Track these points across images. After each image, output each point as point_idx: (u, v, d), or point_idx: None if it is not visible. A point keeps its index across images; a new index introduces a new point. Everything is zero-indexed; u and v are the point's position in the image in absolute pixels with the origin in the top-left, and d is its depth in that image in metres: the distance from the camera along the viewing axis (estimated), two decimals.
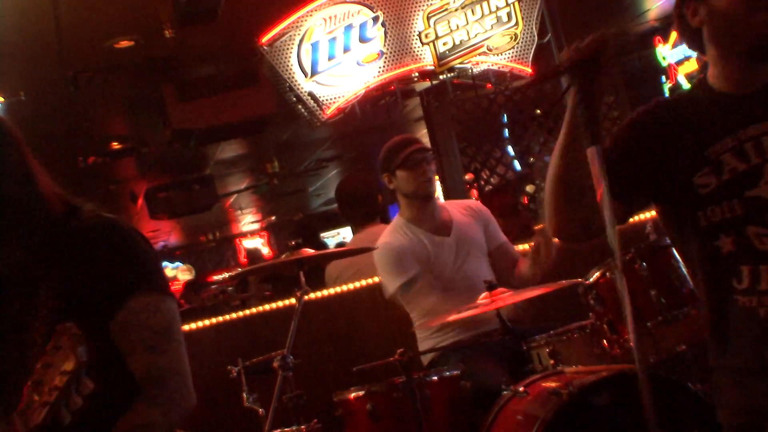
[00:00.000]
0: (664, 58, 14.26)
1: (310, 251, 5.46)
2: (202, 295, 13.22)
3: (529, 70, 8.46)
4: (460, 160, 9.39)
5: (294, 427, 5.13)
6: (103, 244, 3.04)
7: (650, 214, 7.04)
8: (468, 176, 9.72)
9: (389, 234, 6.04)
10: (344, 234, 18.51)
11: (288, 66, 8.17)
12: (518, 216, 8.54)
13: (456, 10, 8.30)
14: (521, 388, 5.06)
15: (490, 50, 8.34)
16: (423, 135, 8.81)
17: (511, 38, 8.37)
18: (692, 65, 14.03)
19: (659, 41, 13.88)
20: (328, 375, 5.59)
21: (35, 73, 8.14)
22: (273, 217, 22.11)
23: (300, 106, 8.19)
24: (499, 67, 8.42)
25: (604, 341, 5.19)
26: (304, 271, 5.33)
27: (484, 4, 8.34)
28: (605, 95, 10.59)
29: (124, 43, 9.37)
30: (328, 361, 5.75)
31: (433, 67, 8.12)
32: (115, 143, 12.07)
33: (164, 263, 16.87)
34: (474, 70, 8.29)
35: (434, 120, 8.81)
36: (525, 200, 10.85)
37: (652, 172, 2.76)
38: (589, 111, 2.56)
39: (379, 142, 6.38)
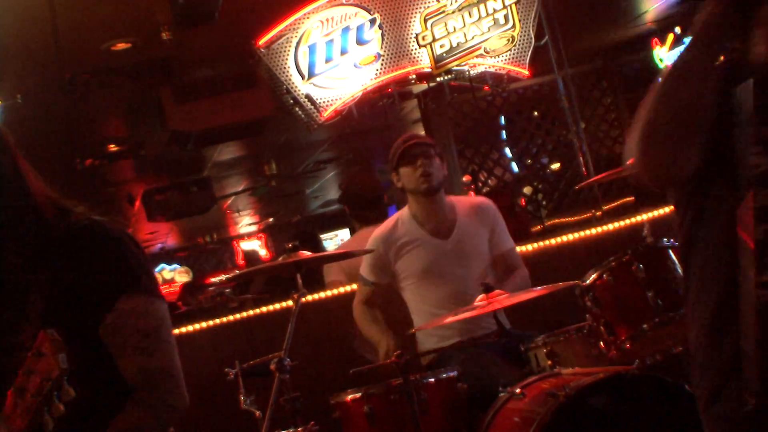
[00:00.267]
0: (661, 60, 14.26)
1: (306, 254, 5.46)
2: (199, 298, 13.22)
3: (526, 72, 8.48)
4: (458, 161, 9.44)
5: (291, 430, 5.14)
6: (92, 247, 3.05)
7: (647, 216, 7.07)
8: (466, 178, 9.72)
9: (387, 226, 6.15)
10: (342, 236, 18.54)
11: (285, 68, 8.17)
12: (515, 218, 8.54)
13: (453, 12, 8.30)
14: (518, 390, 5.08)
15: (487, 52, 8.34)
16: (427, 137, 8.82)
17: (509, 40, 8.38)
18: None
19: (656, 43, 13.88)
20: (326, 377, 5.59)
21: (32, 76, 8.15)
22: (271, 219, 22.12)
23: (297, 109, 8.20)
24: (496, 70, 8.42)
25: (601, 343, 5.23)
26: (302, 273, 5.34)
27: (482, 6, 8.35)
28: (604, 97, 10.62)
29: (122, 46, 9.37)
30: (325, 363, 5.76)
31: (430, 70, 8.13)
32: (113, 145, 12.08)
33: (162, 265, 16.90)
34: (471, 72, 8.30)
35: (432, 122, 8.84)
36: (522, 202, 10.86)
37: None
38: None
39: (377, 144, 6.45)
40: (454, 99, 8.89)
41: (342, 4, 8.23)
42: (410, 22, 8.34)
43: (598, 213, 8.61)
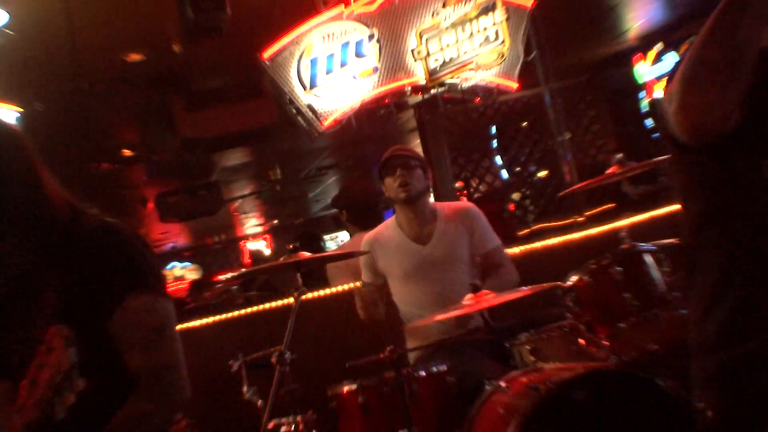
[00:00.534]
0: (642, 76, 14.28)
1: (306, 254, 5.47)
2: (207, 294, 13.24)
3: (515, 85, 8.48)
4: (451, 169, 9.43)
5: (290, 418, 5.14)
6: (103, 247, 3.07)
7: (626, 221, 7.10)
8: (458, 184, 9.75)
9: (377, 230, 6.21)
10: (342, 237, 18.54)
11: (288, 80, 8.18)
12: (504, 222, 8.56)
13: (447, 29, 8.31)
14: (503, 384, 5.07)
15: (478, 66, 8.36)
16: (417, 145, 8.84)
17: (499, 56, 8.39)
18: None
19: (638, 59, 13.90)
20: (323, 370, 5.58)
21: (51, 85, 8.16)
22: (275, 221, 22.12)
23: (299, 118, 8.21)
24: (487, 83, 8.42)
25: (581, 340, 5.24)
26: (302, 272, 5.36)
27: (474, 23, 8.36)
28: (588, 109, 10.62)
29: (135, 57, 9.39)
30: (323, 357, 5.76)
31: (425, 82, 8.13)
32: (127, 150, 12.11)
33: (174, 263, 16.93)
34: (464, 85, 8.30)
35: (427, 131, 8.83)
36: (511, 207, 10.88)
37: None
38: None
39: (375, 152, 6.45)
40: (448, 110, 8.88)
41: (342, 20, 8.24)
42: (406, 37, 8.34)
43: (581, 218, 8.62)
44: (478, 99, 8.69)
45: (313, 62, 8.22)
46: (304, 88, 8.19)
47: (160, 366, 2.97)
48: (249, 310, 7.15)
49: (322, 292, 6.96)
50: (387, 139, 8.11)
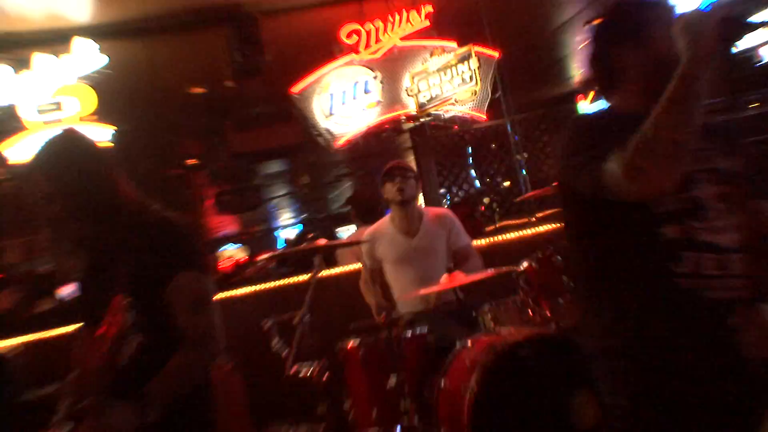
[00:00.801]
0: (583, 111, 14.23)
1: (323, 241, 5.53)
2: (250, 270, 13.23)
3: (484, 116, 8.50)
4: (437, 179, 9.42)
5: (308, 363, 5.18)
6: (162, 234, 3.12)
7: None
8: (442, 191, 9.76)
9: (377, 225, 6.28)
10: (352, 229, 18.53)
11: (311, 109, 8.19)
12: (476, 221, 8.54)
13: (433, 73, 8.31)
14: (469, 343, 5.11)
15: (457, 102, 8.35)
16: (411, 160, 8.79)
17: (472, 93, 8.38)
18: None
19: (581, 98, 13.84)
20: (334, 329, 5.59)
21: (136, 110, 8.14)
22: (304, 215, 22.17)
23: (320, 138, 8.23)
24: (463, 114, 8.41)
25: (530, 311, 5.31)
26: (319, 255, 5.40)
27: (453, 69, 8.37)
28: (542, 136, 10.57)
29: (197, 90, 9.39)
30: (333, 319, 5.76)
31: (416, 113, 8.14)
32: (191, 160, 12.11)
33: (228, 245, 16.84)
34: (445, 115, 8.32)
35: (418, 150, 8.86)
36: (482, 208, 10.85)
37: None
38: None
39: (378, 164, 6.43)
40: (434, 134, 8.86)
41: (353, 65, 8.23)
42: (402, 78, 8.34)
43: (534, 218, 8.60)
44: (456, 126, 8.68)
45: (331, 96, 8.22)
46: (324, 116, 8.19)
47: (200, 326, 3.02)
48: (279, 283, 7.25)
49: (333, 270, 6.97)
50: (388, 155, 8.04)
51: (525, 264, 5.46)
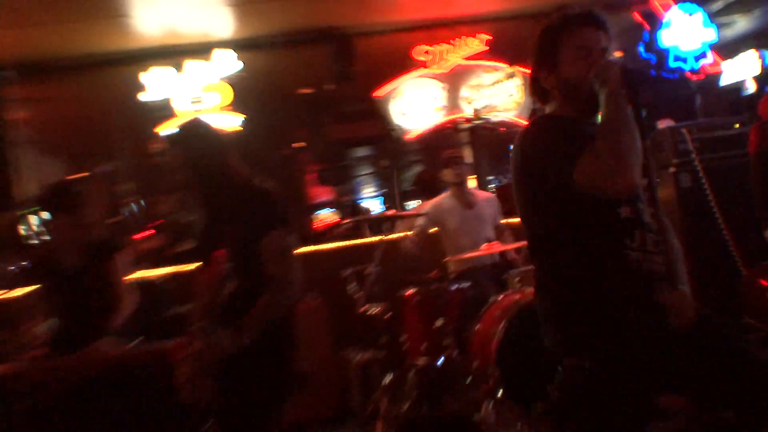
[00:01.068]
0: None
1: (392, 211, 5.57)
2: (338, 231, 13.26)
3: (525, 123, 8.37)
4: (487, 169, 9.34)
5: (375, 304, 5.23)
6: (259, 201, 3.20)
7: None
8: (490, 177, 9.71)
9: (437, 199, 6.31)
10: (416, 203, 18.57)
11: (389, 109, 8.17)
12: (510, 202, 8.49)
13: (486, 86, 8.23)
14: (500, 297, 5.09)
15: (503, 110, 8.28)
16: (467, 154, 8.71)
17: (516, 104, 8.29)
18: None
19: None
20: (396, 280, 5.58)
21: (258, 103, 8.16)
22: (383, 190, 22.15)
23: (394, 132, 8.21)
24: (508, 120, 8.32)
25: None
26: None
27: (502, 84, 8.29)
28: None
29: (306, 90, 9.40)
30: (397, 272, 5.74)
31: (471, 117, 8.07)
32: (299, 144, 12.16)
33: (323, 210, 16.72)
34: (494, 120, 8.23)
35: (474, 145, 8.74)
36: None
37: None
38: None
39: (440, 154, 6.45)
40: (484, 134, 8.75)
41: (425, 78, 8.19)
42: (461, 89, 8.27)
43: None
44: (503, 129, 8.56)
45: (405, 101, 8.17)
46: (399, 115, 8.15)
47: (282, 274, 3.10)
48: (359, 241, 7.26)
49: (398, 234, 6.96)
50: (449, 148, 7.97)
51: None
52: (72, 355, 4.24)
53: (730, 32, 9.09)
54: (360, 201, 16.32)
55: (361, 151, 13.79)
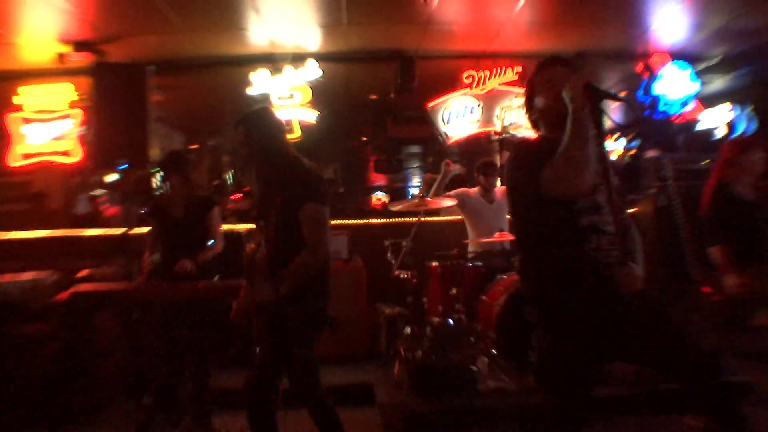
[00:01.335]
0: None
1: (428, 200, 5.48)
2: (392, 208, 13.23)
3: None
4: None
5: (406, 271, 5.18)
6: (302, 177, 3.15)
7: None
8: None
9: (465, 189, 6.19)
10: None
11: (436, 118, 8.07)
12: None
13: (514, 108, 8.05)
14: (504, 276, 5.01)
15: (526, 128, 8.13)
16: (496, 158, 8.59)
17: None
18: None
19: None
20: (425, 253, 5.54)
21: (334, 103, 8.17)
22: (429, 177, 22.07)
23: (439, 137, 8.13)
24: (528, 136, 8.19)
25: None
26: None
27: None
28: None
29: (374, 97, 9.36)
30: (426, 247, 5.69)
31: (500, 130, 7.92)
32: (364, 138, 12.12)
33: (378, 192, 16.50)
34: (518, 135, 8.06)
35: (502, 153, 8.59)
36: None
37: None
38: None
39: (475, 157, 6.44)
40: (510, 145, 8.62)
41: (466, 96, 8.07)
42: (495, 108, 8.12)
43: None
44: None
45: (450, 112, 8.06)
46: (443, 123, 8.04)
47: (316, 240, 3.04)
48: (395, 219, 7.08)
49: (432, 218, 6.85)
50: (482, 153, 7.90)
51: None
52: (170, 281, 4.40)
53: (711, 88, 9.12)
54: (409, 188, 16.17)
55: (413, 149, 13.68)
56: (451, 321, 5.00)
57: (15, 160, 7.35)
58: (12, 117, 7.37)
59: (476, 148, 8.84)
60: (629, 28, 7.39)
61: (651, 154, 6.21)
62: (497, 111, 8.11)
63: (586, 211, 2.53)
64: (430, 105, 8.06)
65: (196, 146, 9.43)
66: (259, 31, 7.02)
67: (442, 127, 8.06)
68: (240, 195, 7.65)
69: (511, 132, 7.86)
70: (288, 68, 7.61)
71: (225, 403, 4.56)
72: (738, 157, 4.27)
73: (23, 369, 4.82)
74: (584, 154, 2.38)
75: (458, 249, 5.62)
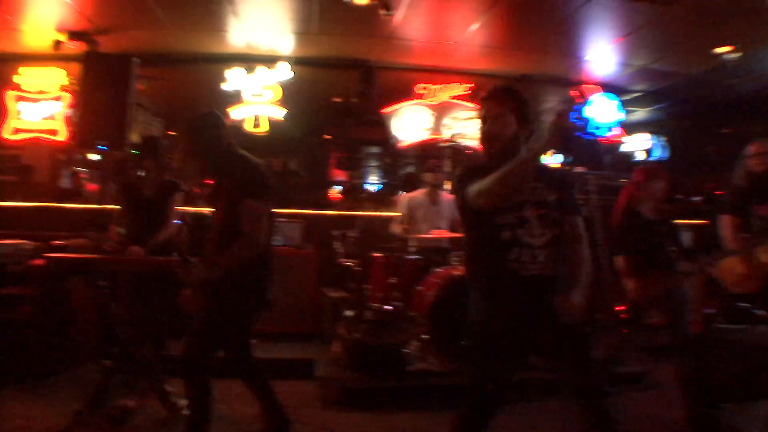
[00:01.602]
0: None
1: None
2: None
3: None
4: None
5: (351, 259, 5.19)
6: (245, 174, 3.14)
7: None
8: None
9: (414, 193, 5.99)
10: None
11: (391, 124, 8.10)
12: None
13: (461, 119, 8.11)
14: (440, 270, 5.00)
15: (471, 138, 8.15)
16: (448, 165, 8.60)
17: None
18: None
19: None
20: (369, 245, 5.51)
21: (301, 103, 8.06)
22: (384, 180, 21.90)
23: (392, 140, 8.12)
24: (473, 145, 8.18)
25: None
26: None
27: (473, 120, 8.15)
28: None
29: (338, 100, 9.14)
30: (370, 239, 5.65)
31: (448, 139, 7.92)
32: (327, 136, 11.98)
33: (337, 186, 16.20)
34: (463, 144, 8.06)
35: (453, 159, 8.58)
36: None
37: None
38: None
39: (424, 161, 6.41)
40: (455, 153, 8.59)
41: (419, 105, 8.07)
42: (444, 119, 8.16)
43: None
44: (469, 150, 8.43)
45: (403, 120, 8.06)
46: (396, 129, 8.06)
47: (252, 231, 2.99)
48: (347, 212, 6.91)
49: (380, 213, 6.79)
50: (430, 157, 7.90)
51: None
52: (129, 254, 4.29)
53: (633, 117, 9.46)
54: (366, 185, 16.04)
55: (372, 149, 13.59)
56: (388, 307, 4.99)
57: (8, 133, 7.36)
58: (10, 94, 7.43)
59: (429, 153, 8.86)
60: (567, 58, 7.50)
61: (579, 170, 6.29)
62: (446, 121, 8.10)
63: (511, 225, 2.52)
64: (385, 111, 8.04)
65: (172, 133, 9.28)
66: (238, 33, 6.95)
67: (395, 132, 8.04)
68: (210, 180, 7.56)
69: (457, 141, 7.88)
70: (261, 69, 7.53)
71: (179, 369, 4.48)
72: (644, 184, 4.52)
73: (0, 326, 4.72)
74: (505, 187, 2.40)
75: (399, 242, 5.60)
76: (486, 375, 2.54)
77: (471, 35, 6.81)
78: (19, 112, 7.40)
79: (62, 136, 7.39)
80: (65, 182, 8.09)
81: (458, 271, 4.85)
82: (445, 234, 5.51)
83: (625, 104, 8.64)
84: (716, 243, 4.46)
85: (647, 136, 10.22)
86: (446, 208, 5.87)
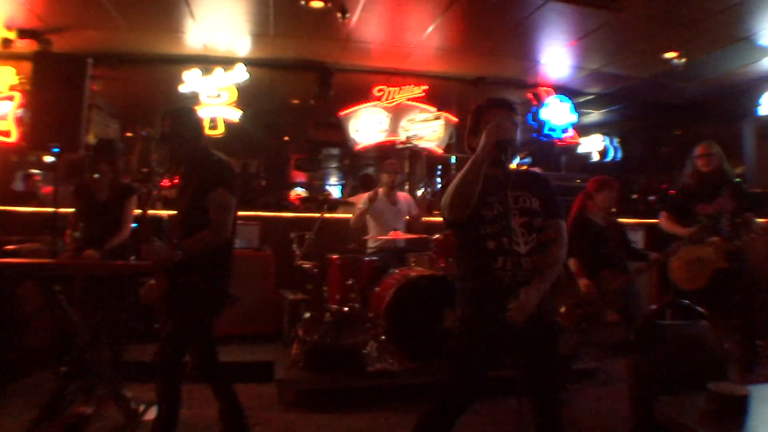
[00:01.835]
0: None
1: (332, 196, 5.46)
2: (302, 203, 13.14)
3: (440, 151, 8.30)
4: (418, 178, 9.25)
5: (309, 261, 5.15)
6: (214, 166, 3.24)
7: None
8: (422, 185, 9.63)
9: (372, 192, 5.82)
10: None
11: (348, 126, 8.05)
12: (428, 202, 8.40)
13: (418, 121, 8.13)
14: (396, 271, 5.04)
15: (427, 140, 8.21)
16: (406, 166, 8.62)
17: (437, 137, 8.20)
18: None
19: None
20: (326, 246, 5.51)
21: (257, 104, 8.01)
22: (343, 180, 21.84)
23: (349, 142, 8.11)
24: (429, 147, 8.26)
25: (436, 262, 5.19)
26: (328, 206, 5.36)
27: (430, 122, 8.17)
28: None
29: (295, 102, 9.25)
30: (327, 242, 5.61)
31: (404, 141, 7.97)
32: (286, 138, 11.98)
33: (298, 188, 16.16)
34: (420, 145, 8.14)
35: (411, 160, 8.63)
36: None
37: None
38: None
39: (381, 162, 6.44)
40: (412, 154, 8.67)
41: (376, 108, 8.08)
42: (401, 120, 8.16)
43: None
44: (425, 152, 8.50)
45: (360, 122, 8.06)
46: (354, 131, 8.04)
47: (220, 221, 3.12)
48: (303, 214, 6.94)
49: (335, 214, 6.77)
50: (388, 158, 7.93)
51: (437, 236, 5.42)
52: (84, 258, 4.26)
53: (587, 119, 9.67)
54: (326, 186, 15.99)
55: (332, 151, 13.59)
56: (346, 309, 5.02)
57: None
58: None
59: (387, 155, 8.91)
60: (522, 61, 7.61)
61: (535, 170, 6.42)
62: (403, 123, 8.15)
63: (496, 234, 2.55)
64: (342, 113, 8.04)
65: (130, 134, 9.14)
66: (194, 35, 6.87)
67: (352, 134, 8.06)
68: (170, 182, 7.45)
69: (414, 142, 7.94)
70: (218, 70, 7.46)
71: (138, 374, 4.44)
72: (595, 194, 4.87)
73: None
74: (467, 189, 2.45)
75: (356, 244, 5.63)
76: (465, 374, 2.57)
77: (427, 38, 6.87)
78: None
79: (14, 137, 7.06)
80: (18, 185, 7.90)
81: (415, 272, 4.90)
82: (402, 235, 5.56)
83: (579, 106, 8.80)
84: (669, 240, 4.68)
85: (600, 137, 10.47)
86: (404, 207, 5.92)
